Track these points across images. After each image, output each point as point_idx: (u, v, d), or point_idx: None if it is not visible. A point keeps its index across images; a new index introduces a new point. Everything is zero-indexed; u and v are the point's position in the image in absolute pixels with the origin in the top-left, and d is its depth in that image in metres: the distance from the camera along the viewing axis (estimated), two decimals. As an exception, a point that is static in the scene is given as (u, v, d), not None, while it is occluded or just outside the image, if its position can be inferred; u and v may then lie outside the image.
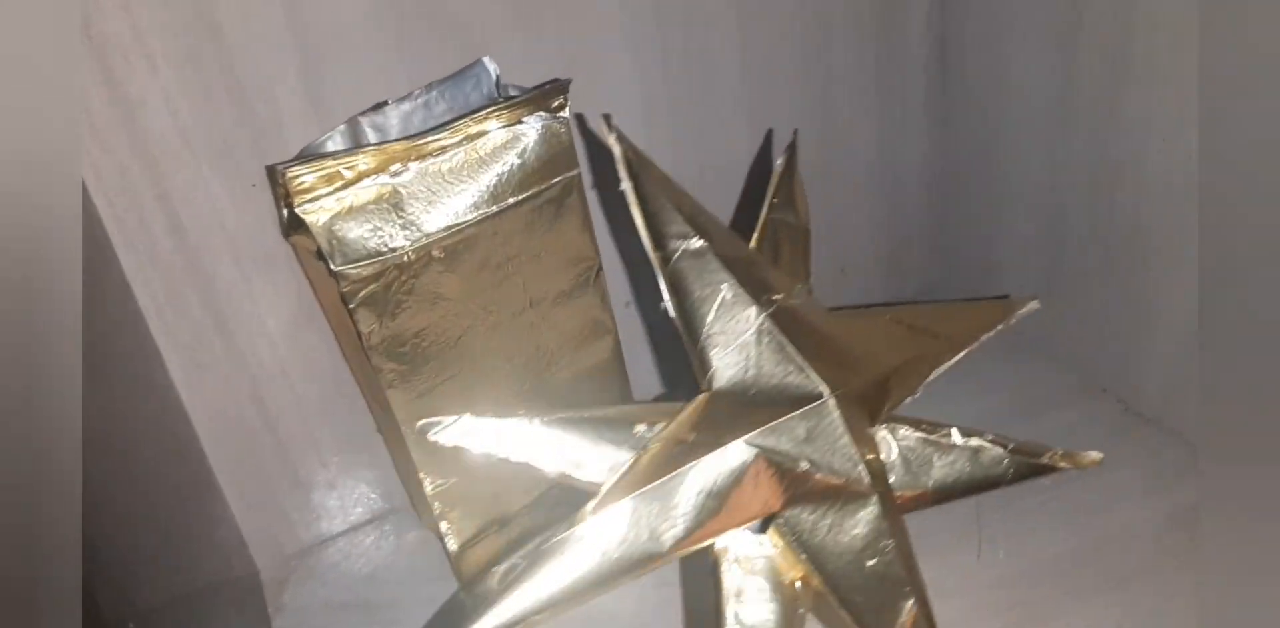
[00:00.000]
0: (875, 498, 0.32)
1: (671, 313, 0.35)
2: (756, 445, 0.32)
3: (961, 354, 0.38)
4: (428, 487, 0.42)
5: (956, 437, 0.37)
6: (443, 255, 0.39)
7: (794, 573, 0.33)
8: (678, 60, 0.47)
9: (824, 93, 0.52)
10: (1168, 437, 0.49)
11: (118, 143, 0.37)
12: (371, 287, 0.38)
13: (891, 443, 0.36)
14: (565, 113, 0.40)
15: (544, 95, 0.39)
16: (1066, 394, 0.52)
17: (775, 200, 0.41)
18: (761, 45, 0.49)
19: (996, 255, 0.57)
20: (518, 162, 0.39)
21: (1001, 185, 0.55)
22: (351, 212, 0.37)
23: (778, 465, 0.32)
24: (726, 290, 0.34)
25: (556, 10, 0.43)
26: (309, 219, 0.36)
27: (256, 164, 0.40)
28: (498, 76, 0.40)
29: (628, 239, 0.50)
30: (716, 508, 0.32)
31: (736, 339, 0.34)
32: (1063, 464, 0.37)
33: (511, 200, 0.40)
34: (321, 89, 0.40)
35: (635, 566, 0.31)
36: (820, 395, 0.33)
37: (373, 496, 0.49)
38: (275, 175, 0.36)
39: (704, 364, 0.34)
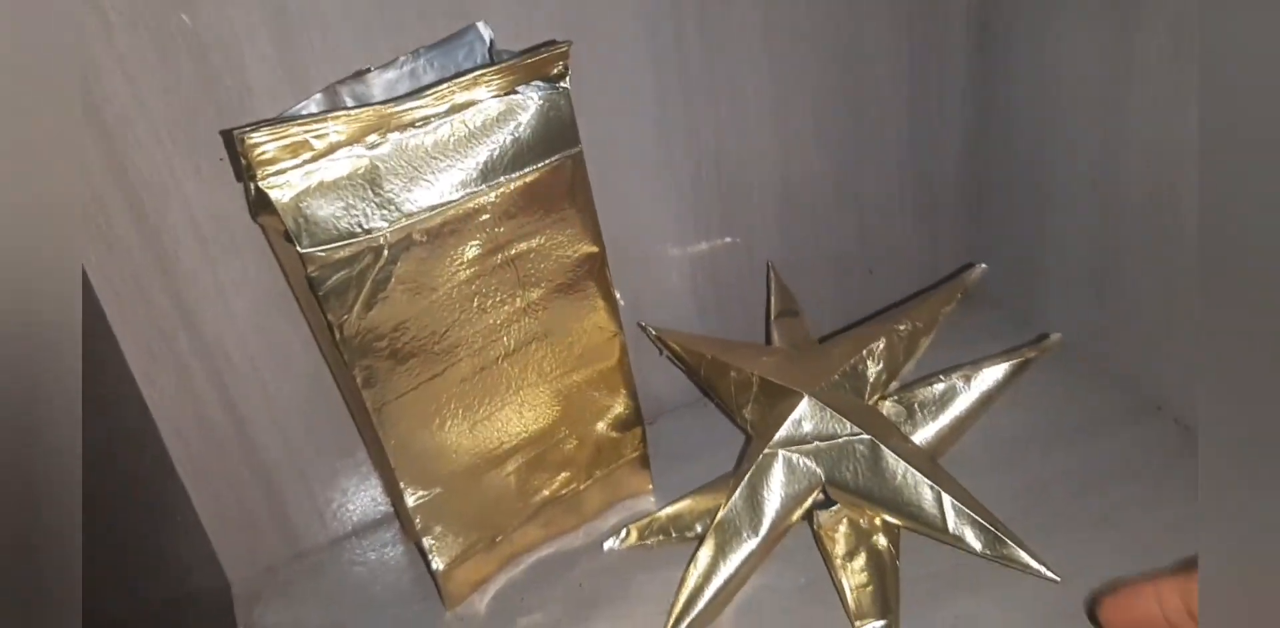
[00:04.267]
0: (873, 441, 0.41)
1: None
2: (778, 449, 0.41)
3: (930, 336, 0.47)
4: (409, 499, 0.38)
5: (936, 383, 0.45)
6: (425, 239, 0.35)
7: (869, 516, 0.42)
8: (694, 33, 0.43)
9: (854, 75, 0.47)
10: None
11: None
12: (343, 272, 0.33)
13: (887, 407, 0.45)
14: (566, 82, 0.35)
15: (541, 61, 0.35)
16: (1119, 413, 0.47)
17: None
18: (786, 22, 0.44)
19: (1040, 260, 0.52)
20: (511, 139, 0.35)
21: (1046, 181, 0.49)
22: (322, 188, 0.33)
23: (804, 454, 0.42)
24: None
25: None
26: (273, 195, 0.32)
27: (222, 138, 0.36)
28: (492, 42, 0.36)
29: (634, 227, 0.45)
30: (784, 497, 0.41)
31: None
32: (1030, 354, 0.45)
33: (503, 179, 0.35)
34: (295, 54, 0.36)
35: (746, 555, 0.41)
36: (801, 395, 0.42)
37: (354, 505, 0.45)
38: (233, 143, 0.32)
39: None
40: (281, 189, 0.32)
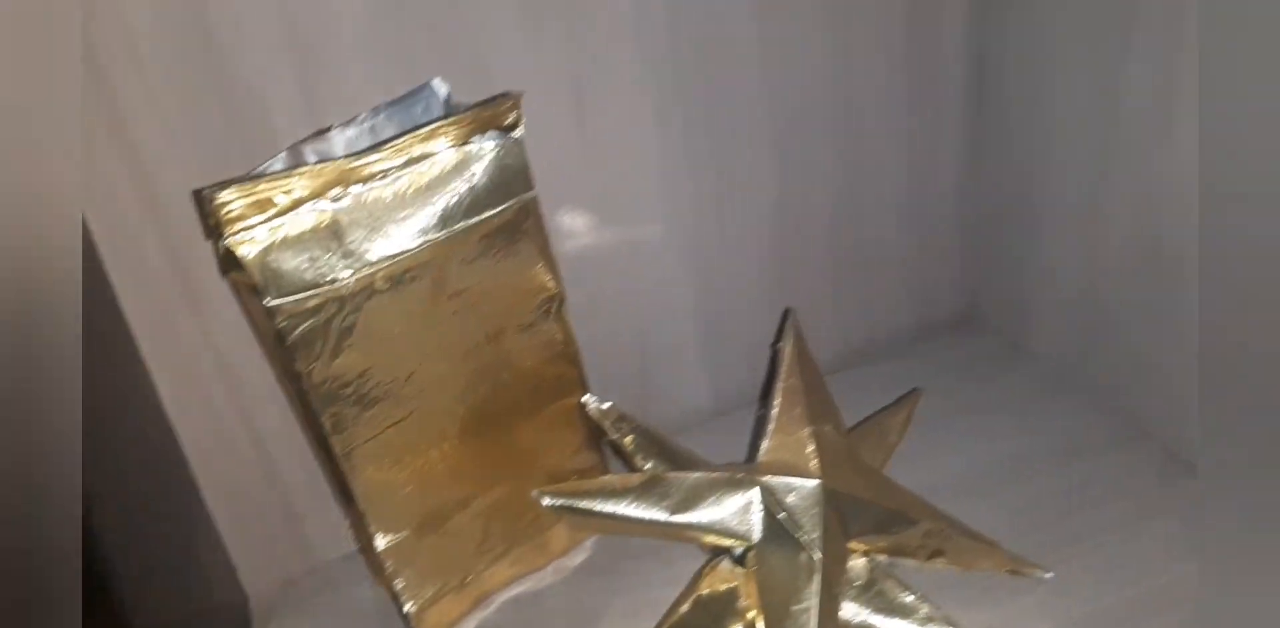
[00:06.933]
0: (818, 575, 0.38)
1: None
2: (759, 483, 0.40)
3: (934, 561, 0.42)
4: (379, 542, 0.39)
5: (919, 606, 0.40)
6: (387, 286, 0.36)
7: (748, 600, 0.40)
8: (695, 79, 0.43)
9: (852, 118, 0.48)
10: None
11: (106, 150, 0.36)
12: (310, 322, 0.35)
13: (859, 563, 0.41)
14: (519, 131, 0.36)
15: (493, 112, 0.35)
16: (1106, 439, 0.48)
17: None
18: (782, 66, 0.45)
19: (1031, 291, 0.52)
20: (467, 187, 0.36)
21: (1039, 216, 0.50)
22: (287, 242, 0.34)
23: (766, 506, 0.40)
24: None
25: (565, 18, 0.40)
26: (240, 252, 0.34)
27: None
28: (447, 96, 0.37)
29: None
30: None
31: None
32: None
33: (460, 226, 0.36)
34: (318, 95, 0.38)
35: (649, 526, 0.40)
36: (817, 478, 0.40)
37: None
38: (201, 202, 0.34)
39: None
40: (248, 245, 0.34)
